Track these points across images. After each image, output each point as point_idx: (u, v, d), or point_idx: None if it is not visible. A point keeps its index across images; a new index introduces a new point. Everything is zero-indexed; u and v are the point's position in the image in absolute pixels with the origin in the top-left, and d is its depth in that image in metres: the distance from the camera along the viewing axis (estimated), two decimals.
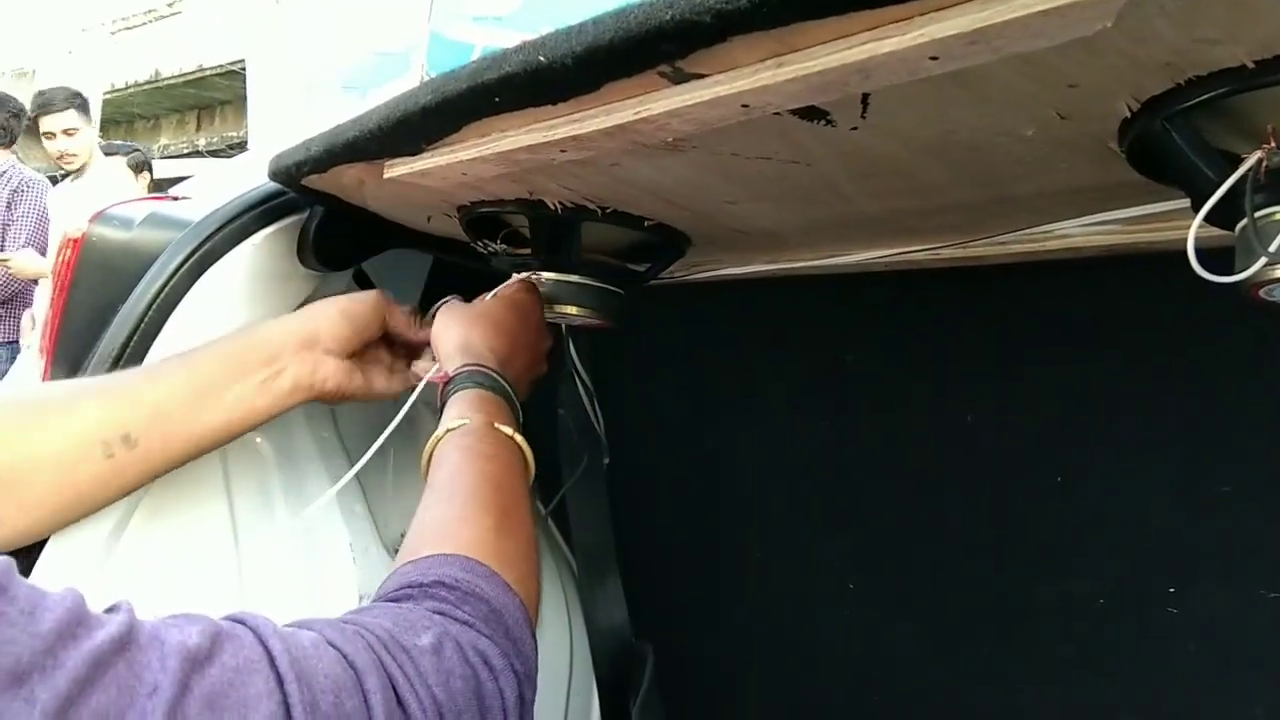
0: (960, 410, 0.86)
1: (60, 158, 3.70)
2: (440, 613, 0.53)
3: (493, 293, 0.86)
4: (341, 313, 0.82)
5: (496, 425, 0.70)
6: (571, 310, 0.86)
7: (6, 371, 3.75)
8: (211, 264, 0.85)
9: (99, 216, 0.89)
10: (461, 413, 0.71)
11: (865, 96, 0.49)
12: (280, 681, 0.43)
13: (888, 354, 0.91)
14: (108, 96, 8.68)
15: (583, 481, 1.16)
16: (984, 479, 0.86)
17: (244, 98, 7.88)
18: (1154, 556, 0.76)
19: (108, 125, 9.15)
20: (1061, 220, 0.66)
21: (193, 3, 8.97)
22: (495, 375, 0.75)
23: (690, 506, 1.15)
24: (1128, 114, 0.47)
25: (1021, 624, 0.85)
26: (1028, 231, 0.68)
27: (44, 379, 0.94)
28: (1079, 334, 0.78)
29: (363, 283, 1.06)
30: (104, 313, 0.86)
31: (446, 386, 0.75)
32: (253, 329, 0.80)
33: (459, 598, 0.54)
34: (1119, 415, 0.76)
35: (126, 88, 9.20)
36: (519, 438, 0.71)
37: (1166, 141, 0.46)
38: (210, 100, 9.35)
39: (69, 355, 0.90)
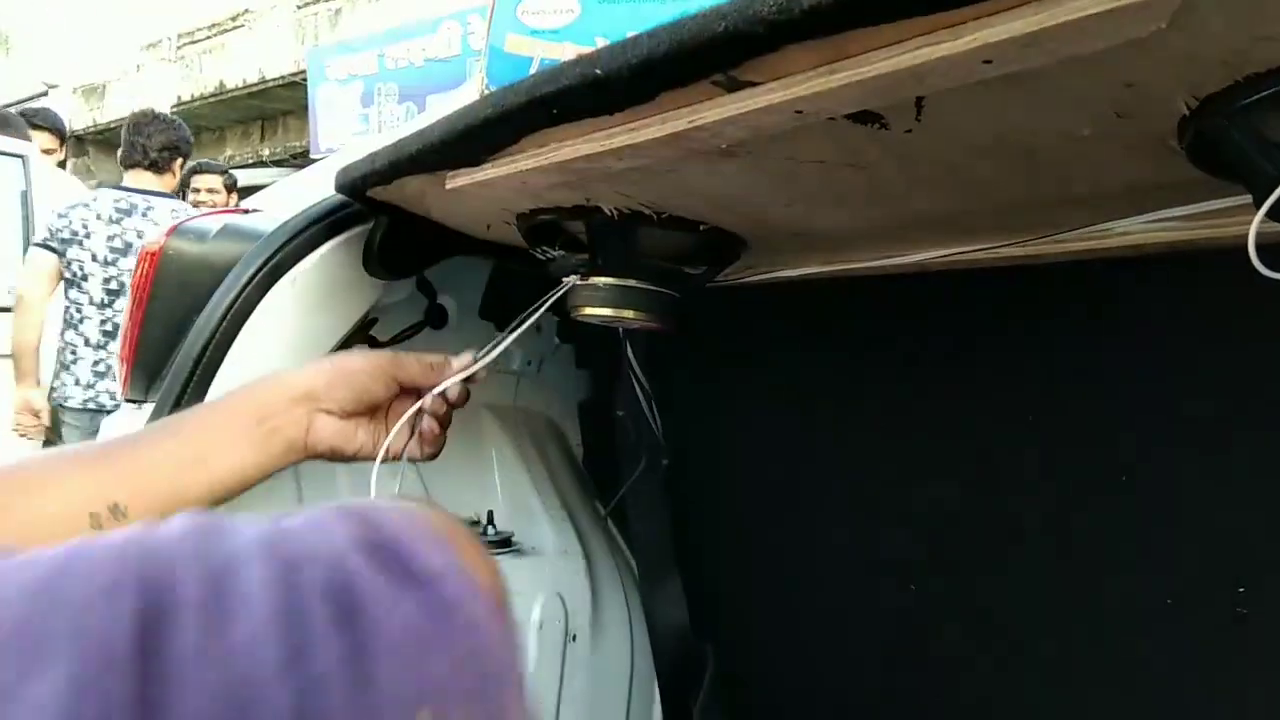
0: (1023, 409, 0.85)
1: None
2: None
3: None
4: (339, 372, 0.76)
5: None
6: (629, 314, 0.86)
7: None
8: (282, 274, 0.88)
9: (175, 230, 0.93)
10: None
11: (919, 100, 0.49)
12: None
13: (948, 354, 0.91)
14: (175, 110, 8.92)
15: (641, 483, 1.17)
16: (1048, 478, 0.85)
17: (305, 107, 8.06)
18: (1224, 555, 0.75)
19: None
20: (1121, 218, 0.65)
21: (255, 16, 9.18)
22: None
23: (749, 507, 1.15)
24: (1186, 111, 0.47)
25: (1089, 624, 0.84)
26: (1087, 229, 0.68)
27: (123, 388, 0.99)
28: (1141, 331, 0.77)
29: (425, 290, 1.09)
30: (181, 322, 0.89)
31: None
32: (247, 388, 0.74)
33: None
34: (1184, 413, 0.75)
35: (193, 100, 9.45)
36: None
37: (1226, 138, 0.46)
38: (273, 111, 9.56)
39: (147, 364, 0.94)
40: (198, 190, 4.16)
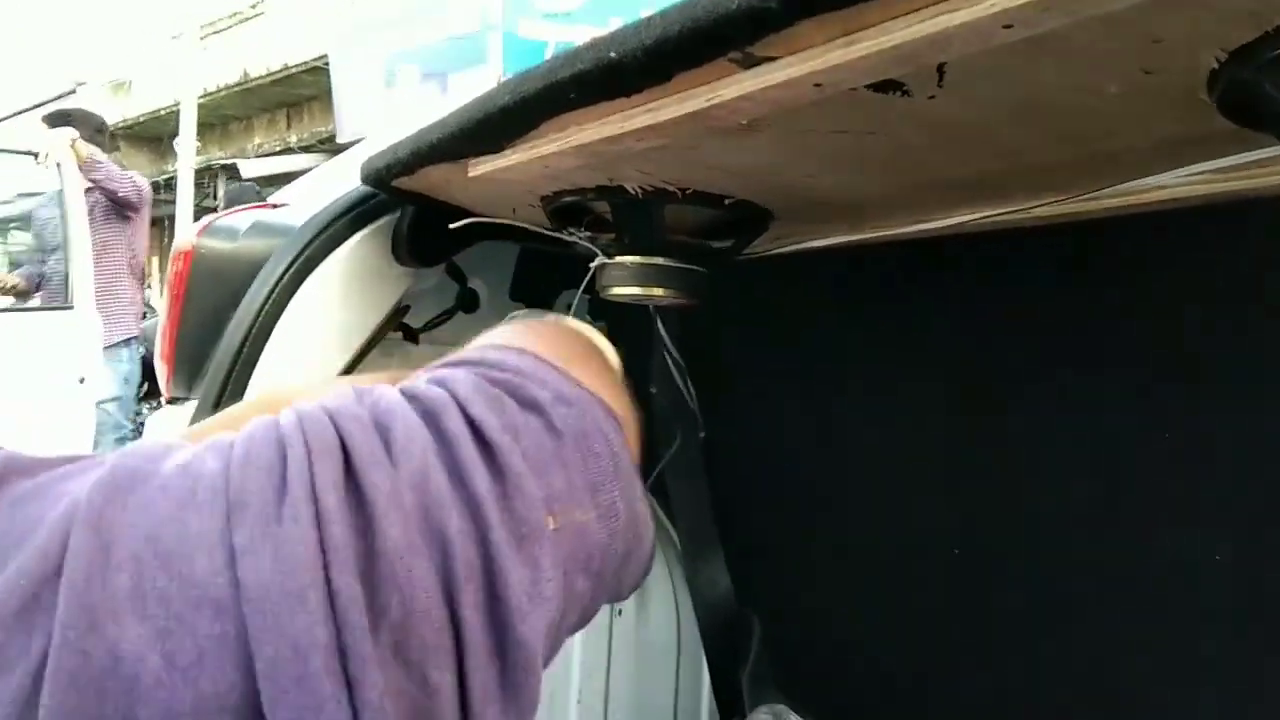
0: (1062, 369, 0.84)
1: None
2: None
3: None
4: None
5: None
6: (658, 291, 0.86)
7: (130, 370, 3.98)
8: (314, 268, 0.89)
9: (206, 229, 0.94)
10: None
11: (941, 66, 0.48)
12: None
13: (981, 317, 0.90)
14: (201, 101, 8.98)
15: (679, 456, 1.17)
16: (1087, 439, 0.84)
17: (330, 92, 8.08)
18: (1272, 510, 0.74)
19: (204, 129, 9.50)
20: (1154, 173, 0.64)
21: (274, 2, 9.20)
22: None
23: (788, 477, 1.15)
24: (1215, 65, 0.45)
25: (1132, 587, 0.84)
26: (1121, 186, 0.66)
27: (166, 385, 1.00)
28: (1181, 287, 0.76)
29: (455, 275, 1.09)
30: (217, 318, 0.91)
31: None
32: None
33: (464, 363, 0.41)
34: (1228, 369, 0.74)
35: (218, 91, 9.51)
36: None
37: (1258, 89, 0.45)
38: (298, 97, 9.60)
39: (188, 362, 0.95)
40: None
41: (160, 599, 0.28)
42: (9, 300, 4.07)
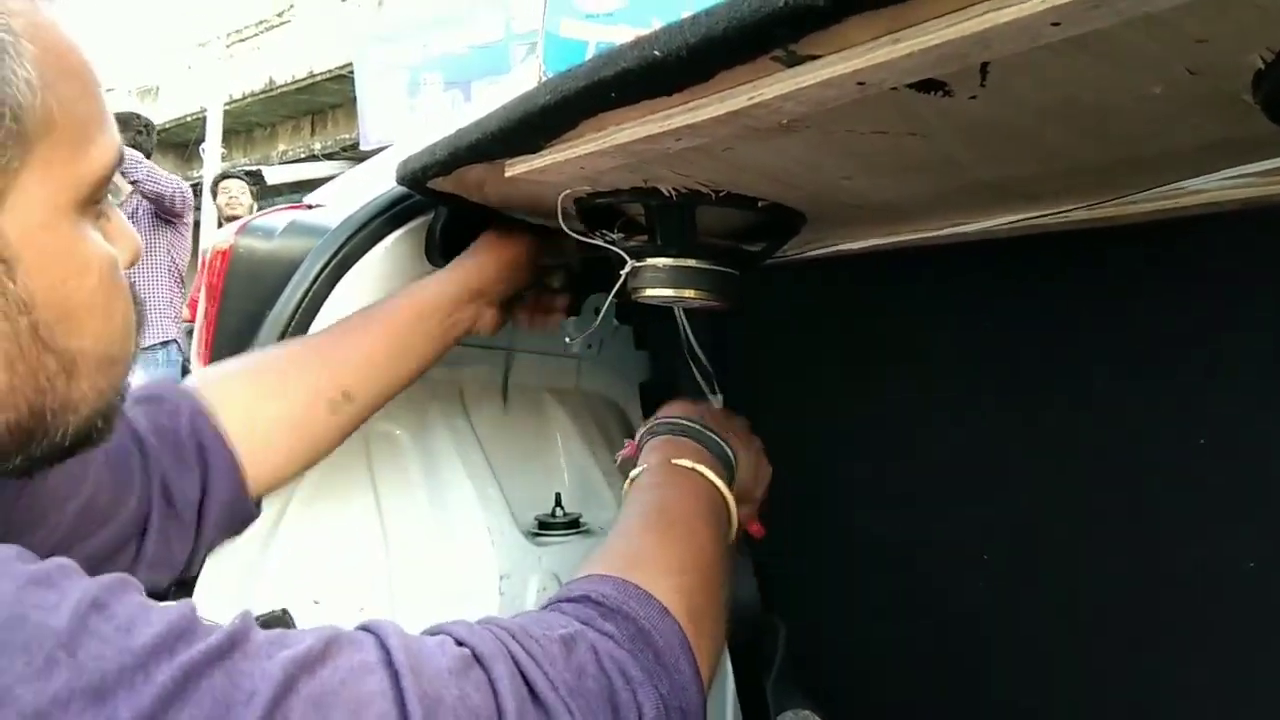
0: (1097, 374, 0.84)
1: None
2: (582, 620, 0.51)
3: None
4: (503, 266, 0.91)
5: (673, 460, 0.72)
6: (689, 293, 0.87)
7: (165, 374, 4.05)
8: (349, 268, 0.90)
9: (244, 229, 0.95)
10: (642, 460, 0.75)
11: (984, 65, 0.48)
12: (396, 677, 0.41)
13: (1014, 322, 0.90)
14: (227, 108, 9.06)
15: None
16: (1123, 443, 0.83)
17: (354, 100, 8.13)
18: None
19: (229, 135, 9.58)
20: (1193, 176, 0.64)
21: (300, 11, 9.27)
22: (677, 420, 0.79)
23: (818, 480, 1.15)
24: (1261, 66, 0.45)
25: (1165, 590, 0.83)
26: (1158, 190, 0.66)
27: None
28: (1217, 291, 0.75)
29: None
30: (253, 318, 0.92)
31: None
32: (426, 287, 0.87)
33: (604, 613, 0.52)
34: (1265, 373, 0.74)
35: (244, 98, 9.58)
36: (701, 468, 0.72)
37: None
38: (322, 105, 9.66)
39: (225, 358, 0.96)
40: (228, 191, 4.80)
41: None
42: None
